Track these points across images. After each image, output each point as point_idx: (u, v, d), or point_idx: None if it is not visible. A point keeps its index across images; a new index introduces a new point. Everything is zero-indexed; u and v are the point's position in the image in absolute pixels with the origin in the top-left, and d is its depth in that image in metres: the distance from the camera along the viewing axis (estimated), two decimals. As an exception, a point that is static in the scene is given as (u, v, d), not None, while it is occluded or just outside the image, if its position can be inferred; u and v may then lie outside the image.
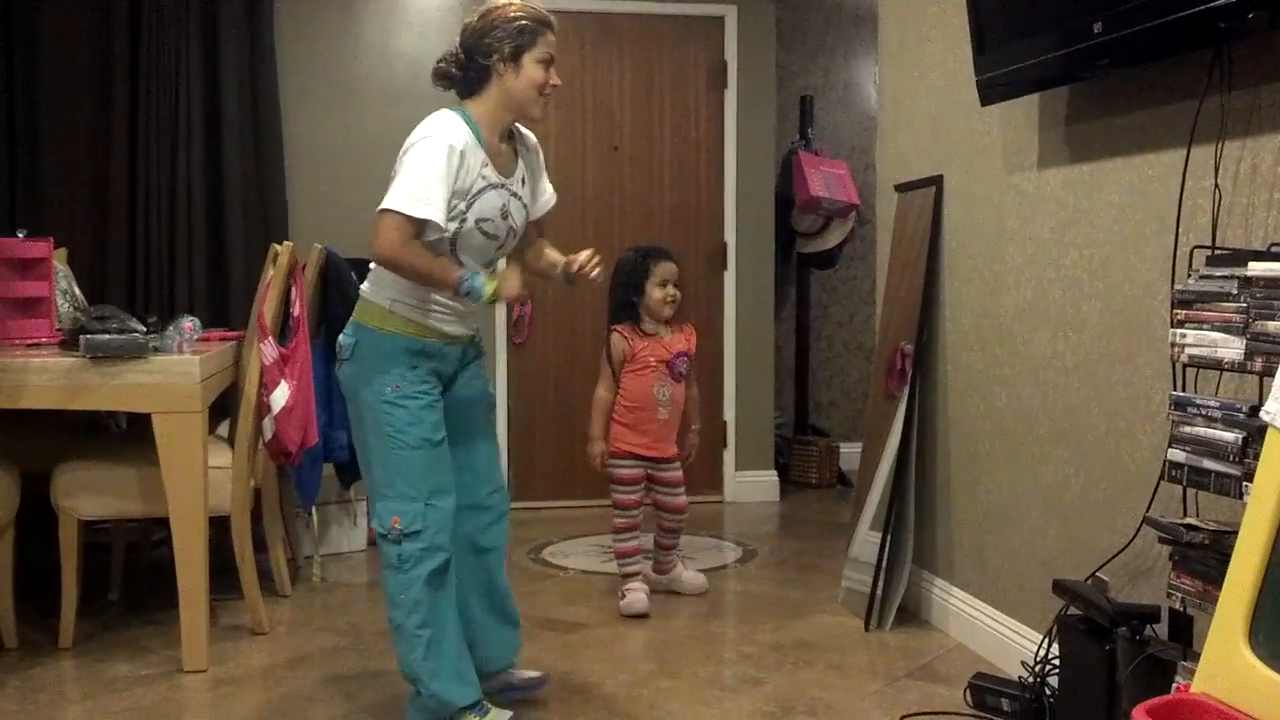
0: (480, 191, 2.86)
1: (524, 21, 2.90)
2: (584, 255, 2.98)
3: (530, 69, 2.92)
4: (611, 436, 4.22)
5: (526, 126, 3.08)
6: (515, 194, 2.98)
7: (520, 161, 3.03)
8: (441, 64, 3.00)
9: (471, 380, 3.10)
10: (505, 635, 3.24)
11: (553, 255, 3.13)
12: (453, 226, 2.83)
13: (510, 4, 2.93)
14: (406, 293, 2.87)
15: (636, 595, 4.09)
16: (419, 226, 2.76)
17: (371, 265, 2.92)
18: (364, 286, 2.96)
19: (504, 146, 2.99)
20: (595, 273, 2.98)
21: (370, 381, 2.87)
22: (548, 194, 3.17)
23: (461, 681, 2.92)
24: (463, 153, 2.81)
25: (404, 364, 2.87)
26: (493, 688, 3.15)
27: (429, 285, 2.83)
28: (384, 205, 2.76)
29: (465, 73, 2.95)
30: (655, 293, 4.15)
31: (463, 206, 2.84)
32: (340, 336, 2.96)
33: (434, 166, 2.77)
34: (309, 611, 4.13)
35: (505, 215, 2.94)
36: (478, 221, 2.87)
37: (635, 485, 4.24)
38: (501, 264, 3.08)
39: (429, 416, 2.89)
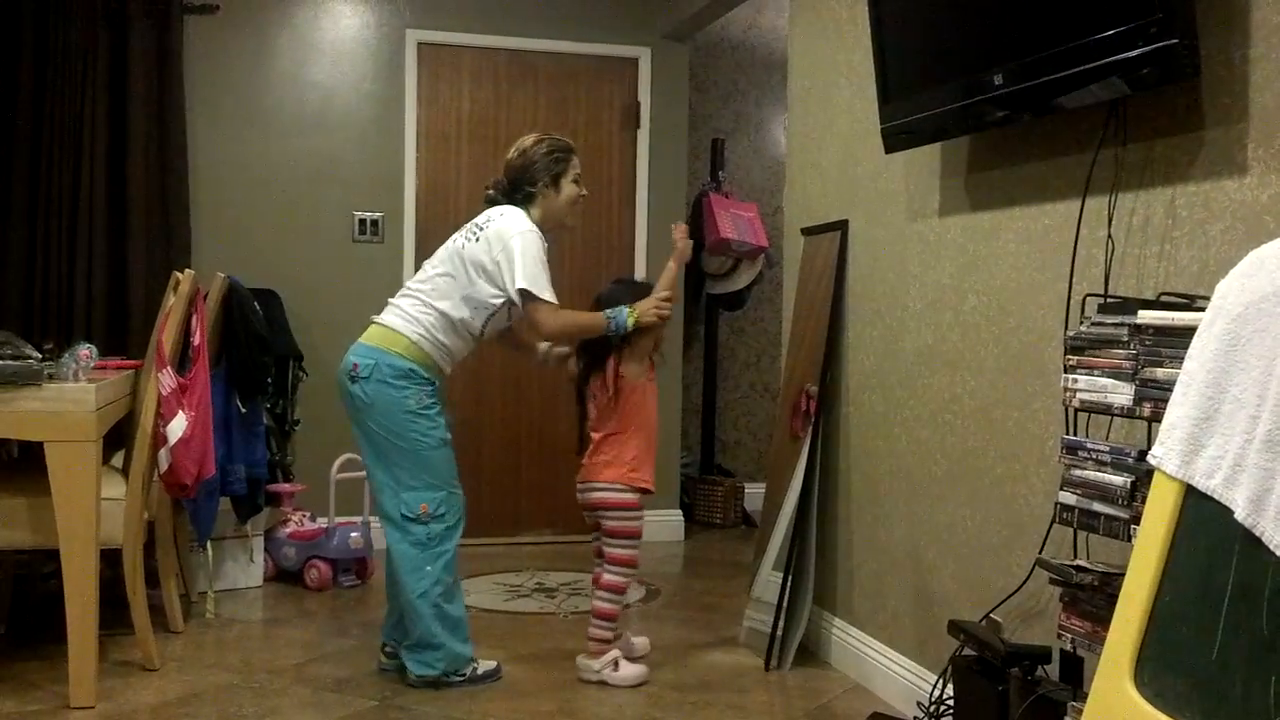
0: None
1: (558, 153, 3.74)
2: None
3: (568, 188, 3.76)
4: (631, 474, 3.79)
5: (561, 233, 3.89)
6: None
7: None
8: (491, 191, 3.80)
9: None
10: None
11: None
12: (497, 304, 3.64)
13: (540, 140, 3.75)
14: (437, 345, 3.62)
15: (636, 666, 3.80)
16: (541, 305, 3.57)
17: (400, 301, 3.66)
18: (393, 320, 3.61)
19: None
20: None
21: (393, 396, 3.54)
22: None
23: (467, 638, 3.68)
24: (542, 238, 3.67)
25: (421, 385, 3.58)
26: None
27: (587, 332, 3.71)
28: (535, 293, 3.54)
29: (510, 198, 3.73)
30: (658, 331, 3.88)
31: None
32: (354, 358, 3.58)
33: (542, 258, 3.61)
34: (201, 648, 4.04)
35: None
36: (511, 307, 3.65)
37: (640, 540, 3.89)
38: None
39: (442, 421, 3.65)
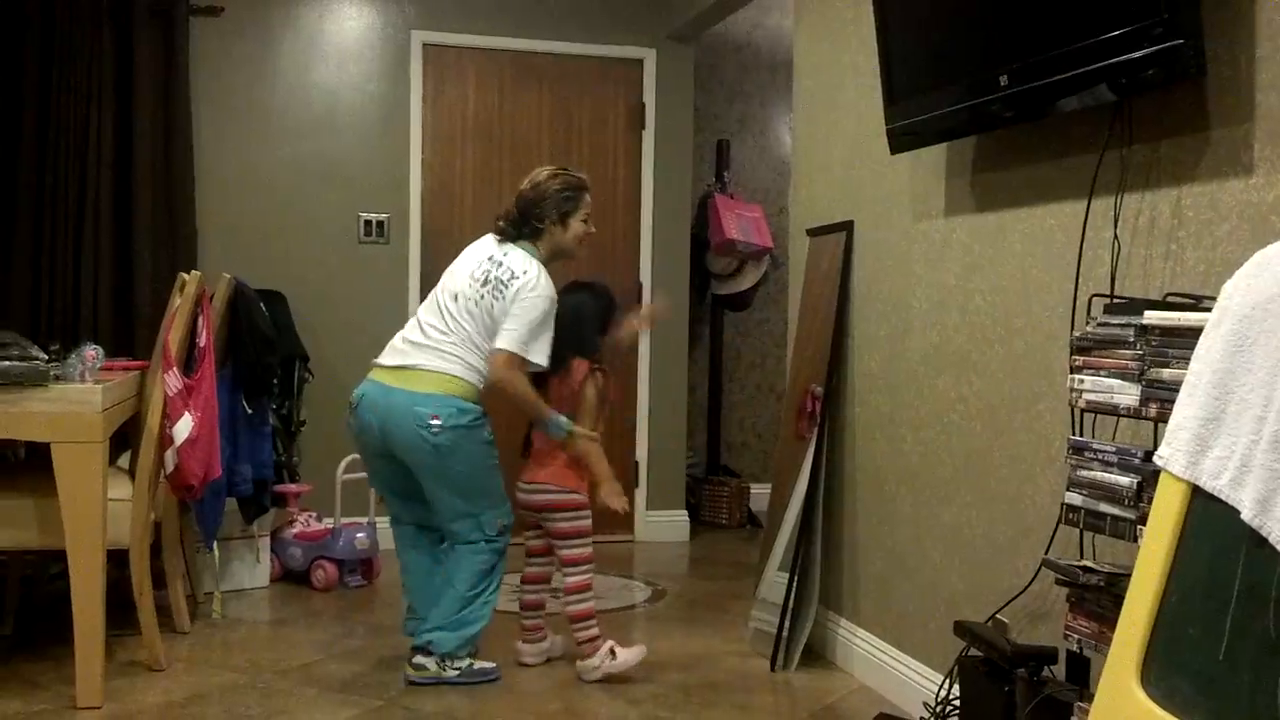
0: None
1: (570, 191, 3.76)
2: None
3: (575, 226, 3.79)
4: (577, 483, 3.83)
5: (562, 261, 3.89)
6: None
7: None
8: (501, 223, 3.80)
9: None
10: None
11: None
12: None
13: (555, 175, 3.77)
14: (480, 383, 3.70)
15: (633, 648, 3.84)
16: (525, 363, 3.65)
17: (454, 350, 3.66)
18: (448, 366, 3.65)
19: None
20: None
21: (471, 433, 3.64)
22: None
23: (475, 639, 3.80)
24: (554, 302, 3.72)
25: (486, 418, 3.71)
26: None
27: (527, 409, 3.70)
28: (509, 348, 3.61)
29: (519, 229, 3.76)
30: (618, 334, 3.96)
31: None
32: (428, 409, 3.58)
33: (548, 322, 3.68)
34: (208, 648, 4.05)
35: None
36: None
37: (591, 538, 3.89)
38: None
39: (493, 449, 3.76)
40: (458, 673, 3.69)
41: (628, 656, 3.79)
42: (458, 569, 3.72)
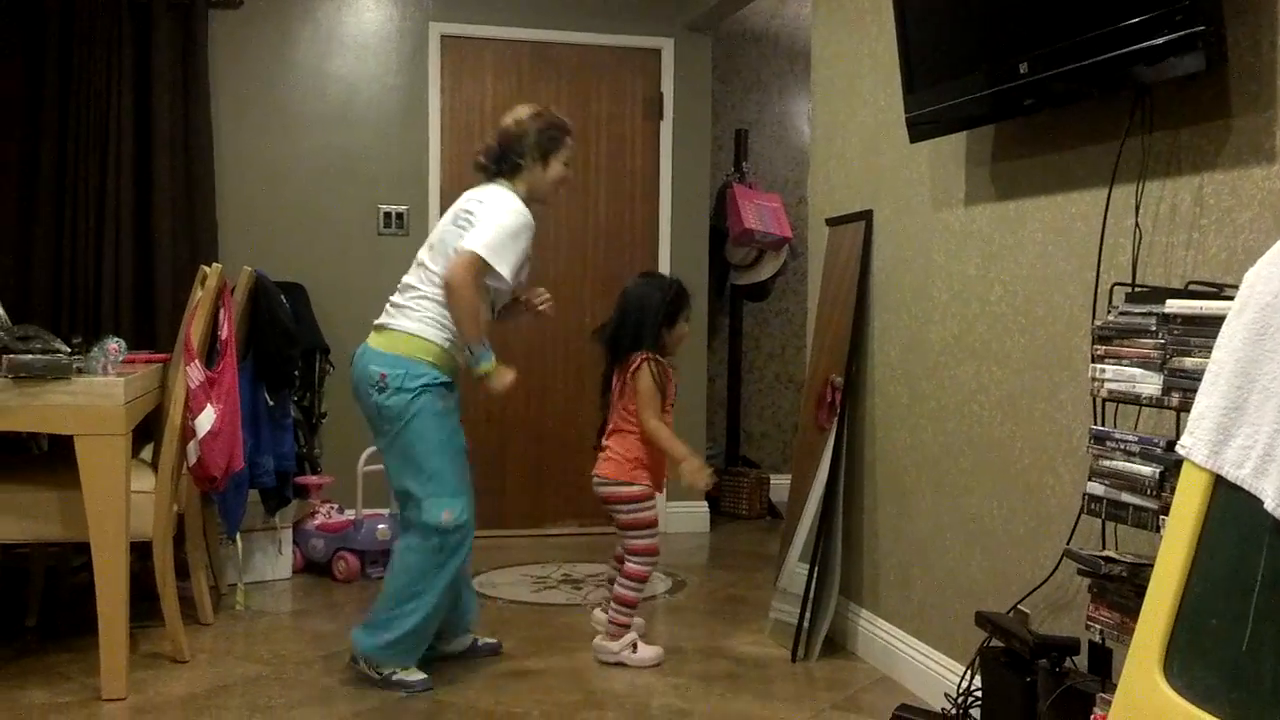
0: (525, 261, 3.60)
1: (554, 131, 3.64)
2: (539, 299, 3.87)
3: (555, 168, 3.67)
4: (636, 475, 3.85)
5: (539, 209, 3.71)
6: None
7: None
8: (481, 159, 3.68)
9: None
10: (475, 600, 3.97)
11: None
12: (494, 285, 3.55)
13: (539, 114, 3.65)
14: (454, 339, 3.51)
15: (653, 647, 3.88)
16: (488, 271, 3.44)
17: (410, 302, 3.53)
18: (410, 325, 3.50)
19: None
20: (548, 309, 3.89)
21: (419, 400, 3.44)
22: None
23: (412, 653, 3.57)
24: (531, 226, 3.56)
25: (442, 387, 3.51)
26: (461, 645, 3.86)
27: (460, 324, 3.45)
28: (469, 245, 3.41)
29: (499, 165, 3.63)
30: (683, 328, 3.99)
31: (524, 275, 3.63)
32: (379, 367, 3.47)
33: (520, 235, 3.50)
34: (231, 640, 4.07)
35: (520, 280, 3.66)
36: (515, 283, 3.61)
37: (657, 530, 3.93)
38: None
39: (459, 428, 3.59)
40: (379, 678, 3.56)
41: (646, 655, 3.83)
42: (396, 561, 3.54)
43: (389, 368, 3.46)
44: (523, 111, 3.66)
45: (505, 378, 3.55)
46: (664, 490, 4.03)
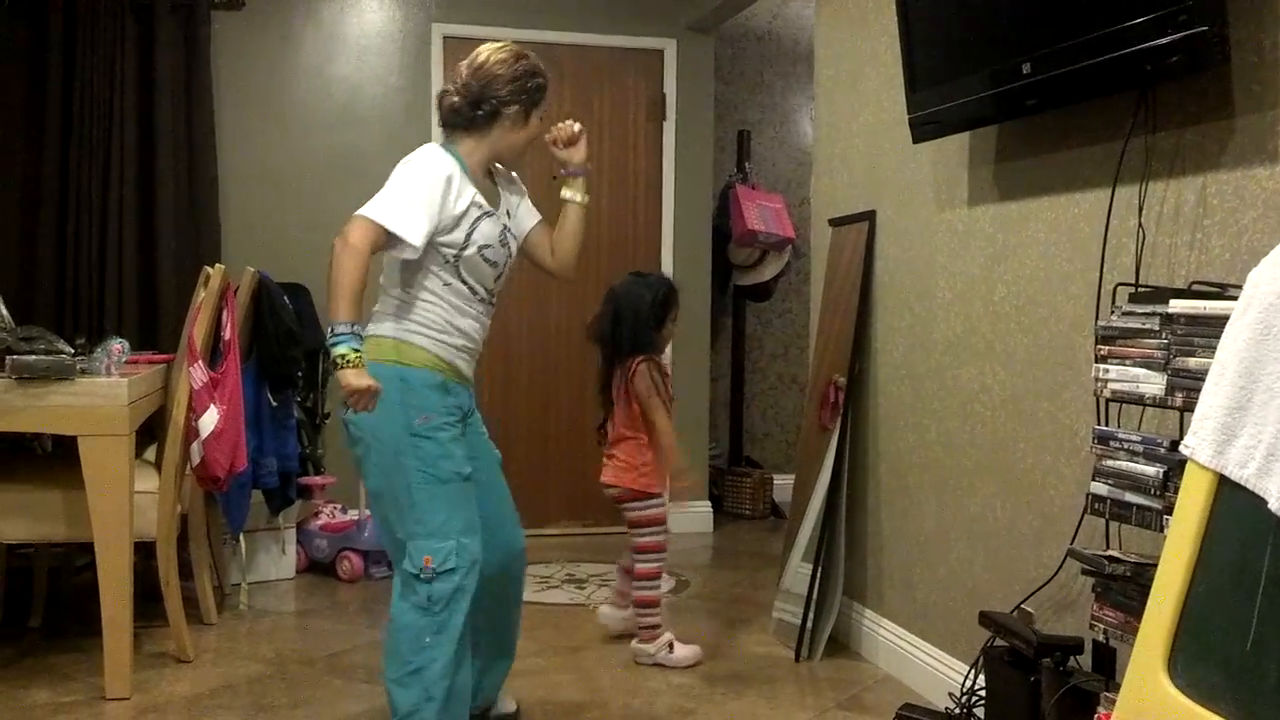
0: (478, 220, 2.89)
1: (540, 79, 3.02)
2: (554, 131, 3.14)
3: (534, 124, 3.04)
4: (640, 478, 3.90)
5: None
6: (506, 225, 3.03)
7: (501, 194, 3.08)
8: (455, 98, 2.97)
9: (480, 435, 3.10)
10: (503, 668, 3.27)
11: (560, 216, 3.20)
12: (452, 253, 2.87)
13: (523, 55, 3.01)
14: (432, 328, 2.87)
15: (691, 646, 3.88)
16: (389, 241, 2.78)
17: (380, 302, 2.94)
18: (374, 326, 2.89)
19: (486, 183, 3.04)
20: (575, 126, 3.18)
21: (393, 416, 2.77)
22: (532, 216, 3.22)
23: None
24: (449, 178, 2.84)
25: (429, 396, 2.83)
26: (473, 712, 3.09)
27: (331, 294, 2.71)
28: (362, 211, 2.77)
29: (474, 110, 2.96)
30: (671, 328, 4.01)
31: (461, 236, 2.86)
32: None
33: (422, 190, 2.80)
34: (235, 640, 4.08)
35: (504, 243, 2.99)
36: (480, 248, 2.89)
37: (665, 527, 4.00)
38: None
39: (457, 450, 2.85)
40: None
41: (684, 654, 3.85)
42: (393, 624, 2.85)
43: None
44: (508, 48, 3.01)
45: (364, 380, 2.67)
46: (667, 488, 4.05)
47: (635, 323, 3.89)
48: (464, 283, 2.90)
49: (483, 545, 2.91)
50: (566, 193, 3.16)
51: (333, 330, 2.69)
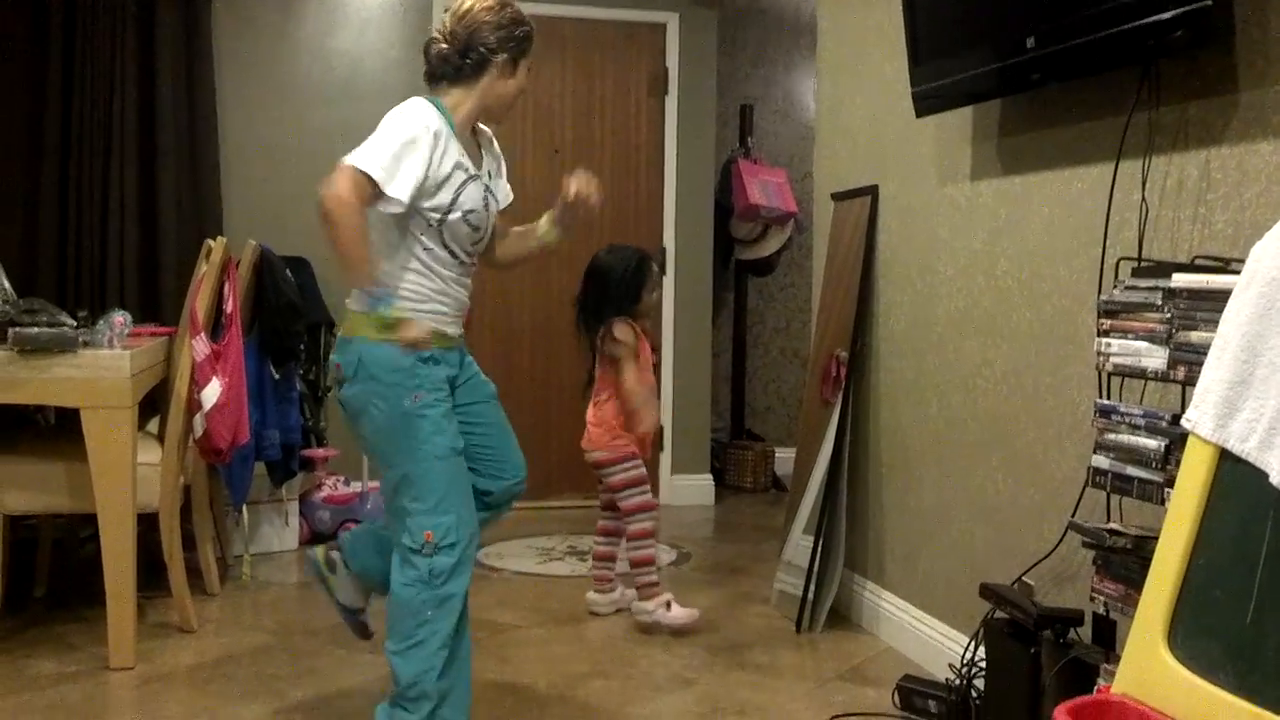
0: (464, 184, 2.82)
1: (526, 28, 2.94)
2: (578, 183, 2.98)
3: (522, 75, 2.95)
4: (615, 437, 4.01)
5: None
6: (488, 186, 2.96)
7: (484, 155, 3.02)
8: (444, 46, 2.87)
9: (472, 378, 3.03)
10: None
11: (529, 227, 3.13)
12: (436, 218, 2.78)
13: (507, 4, 2.93)
14: (417, 300, 2.79)
15: (688, 609, 3.93)
16: (376, 194, 2.68)
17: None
18: (352, 302, 2.79)
19: (471, 139, 2.96)
20: (595, 197, 2.99)
21: (385, 396, 2.73)
22: (507, 190, 3.11)
23: (465, 708, 2.83)
24: (437, 134, 2.76)
25: (419, 372, 2.75)
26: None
27: (346, 258, 2.67)
28: (349, 160, 2.67)
29: (462, 59, 2.87)
30: (650, 299, 4.11)
31: (447, 199, 2.78)
32: (333, 357, 2.82)
33: (414, 145, 2.72)
34: (238, 610, 4.10)
35: (486, 205, 2.91)
36: (465, 213, 2.82)
37: (647, 487, 4.07)
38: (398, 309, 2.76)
39: (449, 425, 2.81)
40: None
41: (679, 615, 3.92)
42: (394, 598, 2.81)
43: (345, 354, 2.78)
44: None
45: (414, 329, 2.71)
46: (649, 454, 4.15)
47: (606, 295, 4.01)
48: (445, 248, 2.83)
49: (493, 478, 2.98)
50: (544, 227, 3.10)
51: (368, 294, 2.68)
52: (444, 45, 2.88)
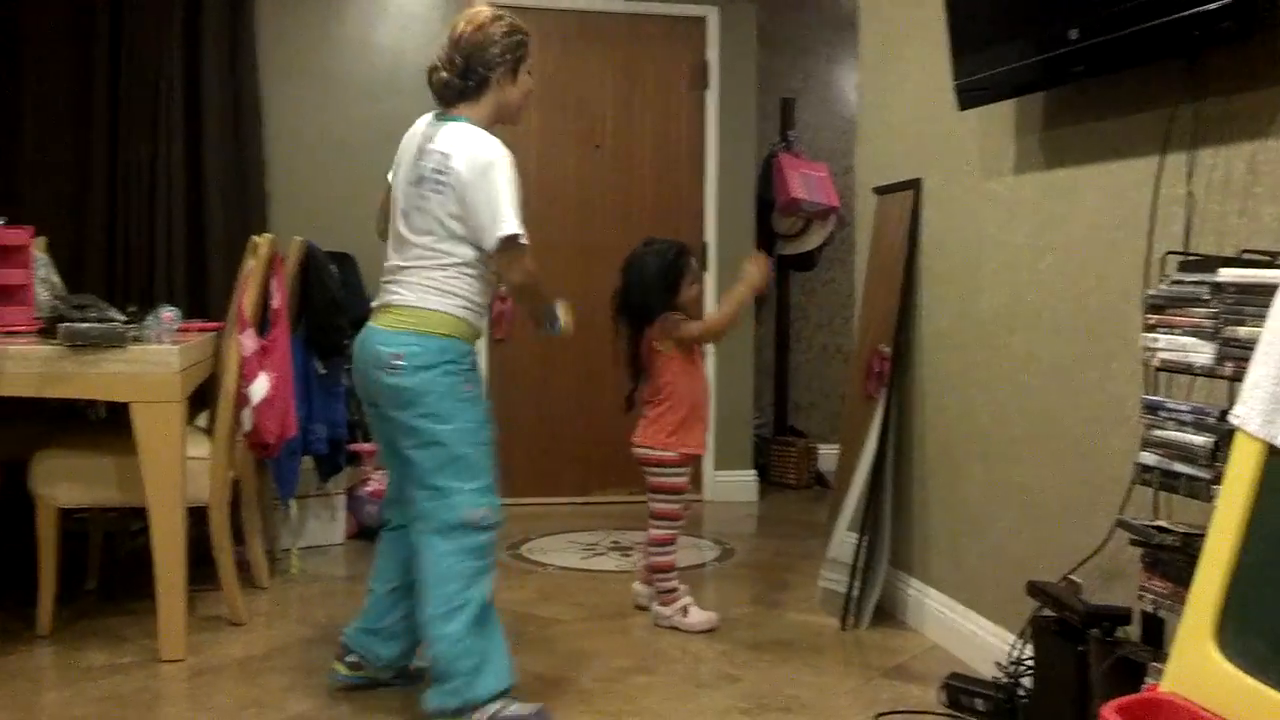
0: None
1: (519, 36, 3.08)
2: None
3: (524, 80, 3.12)
4: (668, 439, 3.94)
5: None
6: None
7: None
8: (444, 74, 3.05)
9: None
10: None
11: None
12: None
13: (499, 17, 3.07)
14: (468, 301, 3.01)
15: (706, 613, 3.93)
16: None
17: (422, 278, 2.98)
18: (412, 297, 2.98)
19: None
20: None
21: (440, 383, 2.95)
22: None
23: (505, 670, 2.99)
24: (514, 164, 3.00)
25: (466, 365, 3.01)
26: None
27: (543, 303, 3.17)
28: (512, 234, 2.91)
29: (465, 81, 3.04)
30: (692, 290, 4.04)
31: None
32: (392, 348, 2.95)
33: (518, 186, 2.97)
34: (286, 603, 4.14)
35: None
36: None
37: (684, 495, 4.06)
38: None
39: (488, 416, 3.07)
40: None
41: (698, 619, 3.89)
42: (435, 569, 2.96)
43: (404, 346, 2.94)
44: (481, 14, 3.05)
45: (569, 315, 3.25)
46: (704, 452, 4.12)
47: (645, 290, 3.95)
48: (484, 257, 3.03)
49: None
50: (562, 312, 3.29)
51: (548, 315, 3.21)
52: (444, 73, 3.06)
